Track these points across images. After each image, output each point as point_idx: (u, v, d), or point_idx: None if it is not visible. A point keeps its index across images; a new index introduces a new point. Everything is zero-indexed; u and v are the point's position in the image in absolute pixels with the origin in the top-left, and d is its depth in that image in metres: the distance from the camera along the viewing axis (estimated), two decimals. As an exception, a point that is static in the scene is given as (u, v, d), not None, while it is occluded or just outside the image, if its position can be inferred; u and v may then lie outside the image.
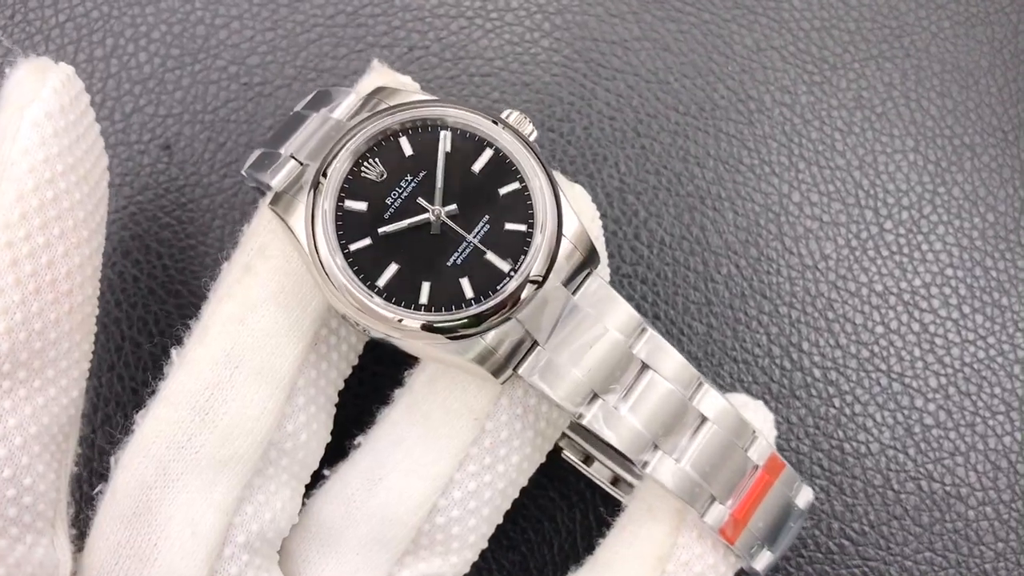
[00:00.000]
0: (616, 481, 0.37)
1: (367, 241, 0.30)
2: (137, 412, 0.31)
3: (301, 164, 0.31)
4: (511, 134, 0.32)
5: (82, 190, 0.29)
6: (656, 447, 0.31)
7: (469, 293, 0.30)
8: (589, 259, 0.31)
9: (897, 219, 0.43)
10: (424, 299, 0.30)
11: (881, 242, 0.42)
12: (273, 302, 0.31)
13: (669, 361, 0.32)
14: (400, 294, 0.30)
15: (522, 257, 0.30)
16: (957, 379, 0.41)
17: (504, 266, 0.30)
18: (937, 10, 0.45)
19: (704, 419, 0.32)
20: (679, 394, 0.32)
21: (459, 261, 0.30)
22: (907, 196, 0.43)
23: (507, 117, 0.32)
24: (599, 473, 0.37)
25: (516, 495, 0.34)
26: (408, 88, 0.34)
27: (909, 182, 0.43)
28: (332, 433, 0.34)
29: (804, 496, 0.34)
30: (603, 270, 0.34)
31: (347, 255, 0.30)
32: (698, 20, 0.44)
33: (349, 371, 0.34)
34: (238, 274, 0.31)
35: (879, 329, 0.41)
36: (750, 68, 0.44)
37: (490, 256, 0.30)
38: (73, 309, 0.28)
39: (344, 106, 0.33)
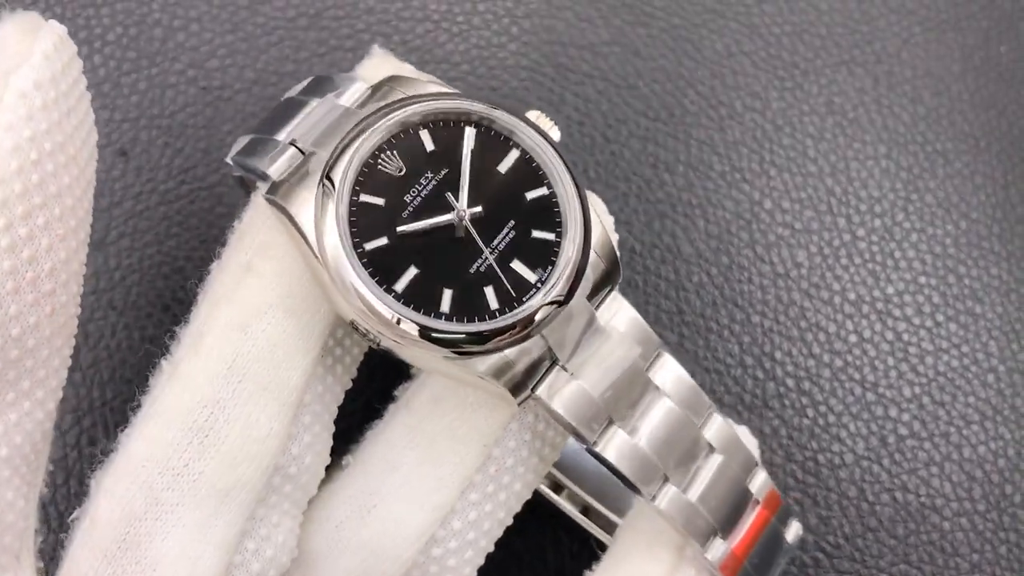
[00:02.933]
0: (587, 511, 0.36)
1: (384, 240, 0.28)
2: (120, 429, 0.28)
3: (303, 153, 0.29)
4: (537, 134, 0.30)
5: (71, 173, 0.25)
6: (666, 479, 0.30)
7: (494, 304, 0.28)
8: (612, 271, 0.30)
9: (870, 226, 0.42)
10: (446, 307, 0.28)
11: (854, 250, 0.42)
12: (280, 307, 0.28)
13: (682, 387, 0.31)
14: (420, 300, 0.28)
15: (550, 268, 0.29)
16: (931, 388, 0.41)
17: (531, 276, 0.29)
18: (908, 15, 0.45)
19: (712, 449, 0.31)
20: (692, 423, 0.30)
21: (483, 268, 0.28)
22: (879, 203, 0.43)
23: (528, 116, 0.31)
24: (570, 501, 0.36)
25: (510, 522, 0.32)
26: (419, 77, 0.32)
27: (881, 189, 0.43)
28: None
29: (793, 531, 0.33)
30: None
31: (361, 254, 0.28)
32: (668, 25, 0.44)
33: (350, 385, 0.32)
34: (237, 275, 0.28)
35: (852, 338, 0.41)
36: (720, 73, 0.43)
37: (516, 264, 0.29)
38: (55, 311, 0.25)
39: (350, 93, 0.30)
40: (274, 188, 0.28)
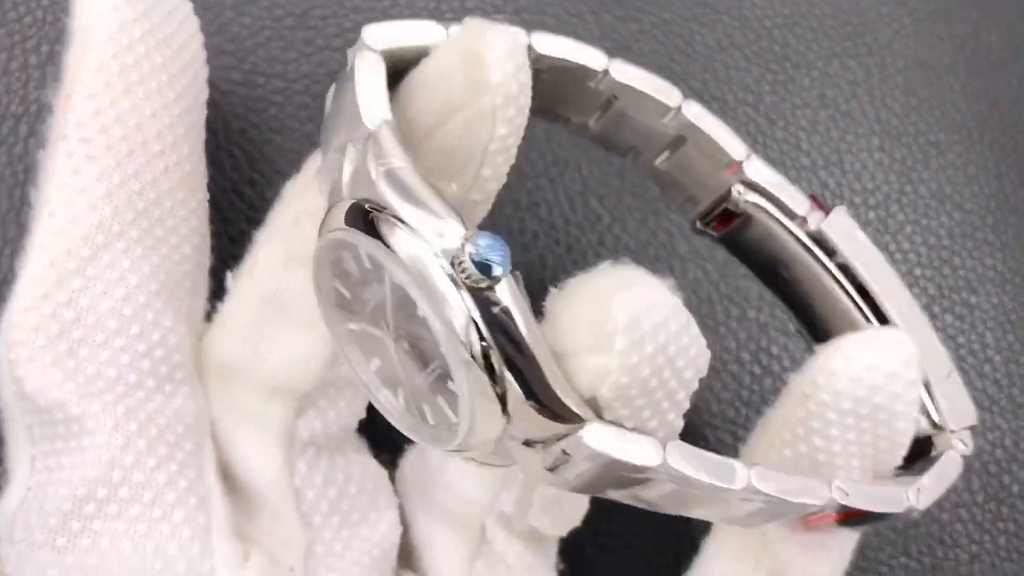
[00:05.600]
0: (862, 290, 0.33)
1: (354, 325, 0.26)
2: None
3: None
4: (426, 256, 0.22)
5: (163, 53, 0.29)
6: None
7: (431, 419, 0.25)
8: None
9: (864, 219, 0.42)
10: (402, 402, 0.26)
11: (849, 243, 0.42)
12: None
13: None
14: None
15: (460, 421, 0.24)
16: (928, 381, 0.41)
17: (452, 417, 0.24)
18: (898, 6, 0.45)
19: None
20: None
21: (409, 393, 0.26)
22: (873, 195, 0.42)
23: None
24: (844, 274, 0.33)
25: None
26: (508, 41, 0.26)
27: (875, 181, 0.43)
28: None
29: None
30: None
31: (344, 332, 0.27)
32: (659, 19, 0.43)
33: None
34: (294, 216, 0.31)
35: (849, 331, 0.41)
36: (712, 67, 0.43)
37: (441, 401, 0.25)
38: (169, 168, 0.29)
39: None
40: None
